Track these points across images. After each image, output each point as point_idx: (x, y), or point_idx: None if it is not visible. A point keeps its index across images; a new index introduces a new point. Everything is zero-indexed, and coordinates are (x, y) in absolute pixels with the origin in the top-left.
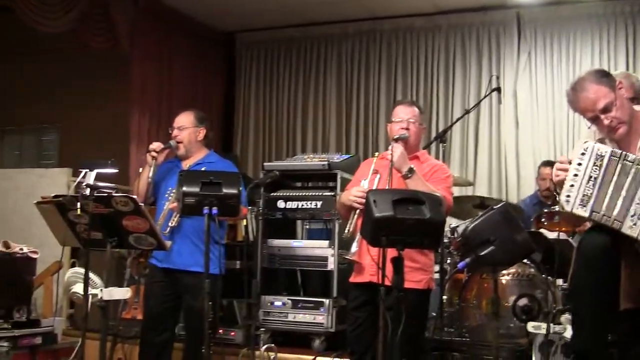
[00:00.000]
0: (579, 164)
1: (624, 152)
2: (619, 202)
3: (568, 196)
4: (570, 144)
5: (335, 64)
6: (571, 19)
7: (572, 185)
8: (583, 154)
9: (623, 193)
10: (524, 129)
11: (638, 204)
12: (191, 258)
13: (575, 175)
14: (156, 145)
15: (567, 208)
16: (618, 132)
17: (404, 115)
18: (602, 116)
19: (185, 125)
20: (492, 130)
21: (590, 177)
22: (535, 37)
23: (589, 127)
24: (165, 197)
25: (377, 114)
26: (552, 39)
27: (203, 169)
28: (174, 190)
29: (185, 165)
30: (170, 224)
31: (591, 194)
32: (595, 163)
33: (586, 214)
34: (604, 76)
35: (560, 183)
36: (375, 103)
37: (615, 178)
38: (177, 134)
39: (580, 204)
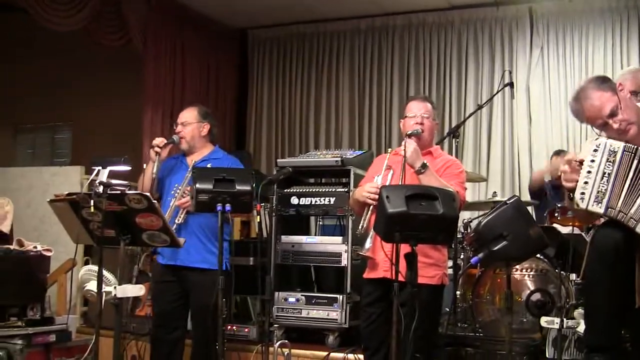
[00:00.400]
0: (592, 161)
1: (638, 147)
2: (638, 201)
3: (582, 193)
4: (583, 138)
5: (347, 60)
6: (584, 13)
7: (586, 182)
8: (596, 150)
9: None
10: (537, 124)
11: None
12: (198, 255)
13: (589, 172)
14: (159, 141)
15: (582, 205)
16: (629, 134)
17: (417, 110)
18: (610, 121)
19: (189, 121)
20: (505, 125)
21: (604, 173)
22: (547, 32)
23: (598, 134)
24: (171, 194)
25: (389, 109)
26: (565, 34)
27: (209, 165)
28: (179, 187)
29: (190, 161)
30: (176, 220)
31: (606, 189)
32: (608, 159)
33: (602, 210)
34: (604, 82)
35: (571, 188)
36: (388, 99)
37: (631, 174)
38: (180, 129)
39: (595, 201)
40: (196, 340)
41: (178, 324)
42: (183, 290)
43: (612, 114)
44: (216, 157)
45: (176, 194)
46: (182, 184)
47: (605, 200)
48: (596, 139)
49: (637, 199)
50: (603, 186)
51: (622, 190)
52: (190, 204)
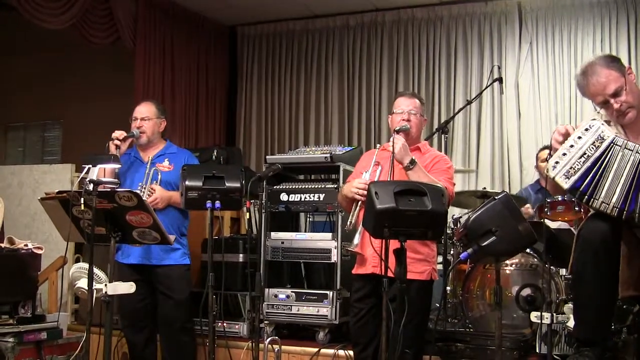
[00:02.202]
0: (579, 137)
1: (626, 141)
2: (618, 189)
3: (557, 162)
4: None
5: (337, 56)
6: (573, 8)
7: (564, 154)
8: (587, 129)
9: (622, 180)
10: (526, 119)
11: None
12: (163, 252)
13: (572, 146)
14: (119, 134)
15: (551, 173)
16: (627, 116)
17: (405, 106)
18: (612, 100)
19: (150, 116)
20: (495, 121)
21: (584, 153)
22: (536, 27)
23: (597, 112)
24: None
25: (379, 105)
26: (554, 29)
27: (166, 159)
28: (144, 185)
29: (146, 156)
30: None
31: (578, 169)
32: (594, 142)
33: (566, 186)
34: (613, 61)
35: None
36: (377, 95)
37: (615, 166)
38: (141, 124)
39: (564, 174)
40: (166, 337)
41: (146, 323)
42: (149, 288)
43: (616, 94)
44: (172, 151)
45: (142, 193)
46: (144, 181)
47: (573, 178)
48: (593, 119)
49: (617, 188)
50: (578, 165)
51: (606, 181)
52: (157, 202)
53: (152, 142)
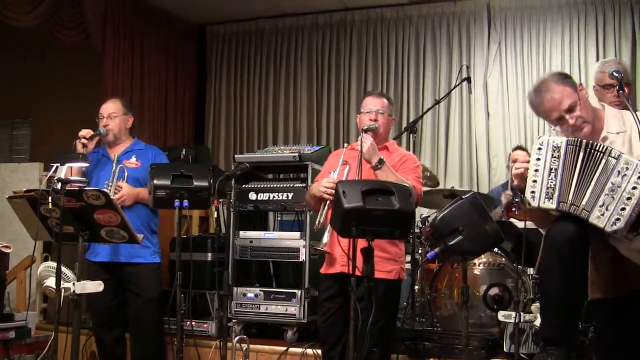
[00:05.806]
0: (538, 159)
1: (584, 141)
2: (588, 192)
3: (533, 192)
4: (540, 133)
5: (305, 55)
6: (542, 9)
7: (534, 181)
8: (540, 148)
9: (592, 183)
10: (494, 119)
11: (607, 194)
12: (133, 250)
13: (536, 170)
14: (86, 132)
15: (534, 204)
16: (583, 131)
17: (372, 106)
18: (567, 116)
19: (116, 113)
20: (463, 120)
21: (551, 169)
22: (505, 27)
23: (553, 129)
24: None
25: (348, 105)
26: (523, 29)
27: (133, 156)
28: (110, 184)
29: (113, 153)
30: None
31: (555, 185)
32: (553, 154)
33: (553, 206)
34: (566, 78)
35: (521, 185)
36: (346, 94)
37: (578, 167)
38: (107, 122)
39: (546, 197)
40: (136, 335)
41: (116, 321)
42: (119, 287)
43: (570, 110)
44: (139, 147)
45: (108, 191)
46: (110, 180)
47: (555, 195)
48: (539, 137)
49: (587, 190)
50: (552, 182)
51: (572, 183)
52: (125, 199)
53: (119, 139)
